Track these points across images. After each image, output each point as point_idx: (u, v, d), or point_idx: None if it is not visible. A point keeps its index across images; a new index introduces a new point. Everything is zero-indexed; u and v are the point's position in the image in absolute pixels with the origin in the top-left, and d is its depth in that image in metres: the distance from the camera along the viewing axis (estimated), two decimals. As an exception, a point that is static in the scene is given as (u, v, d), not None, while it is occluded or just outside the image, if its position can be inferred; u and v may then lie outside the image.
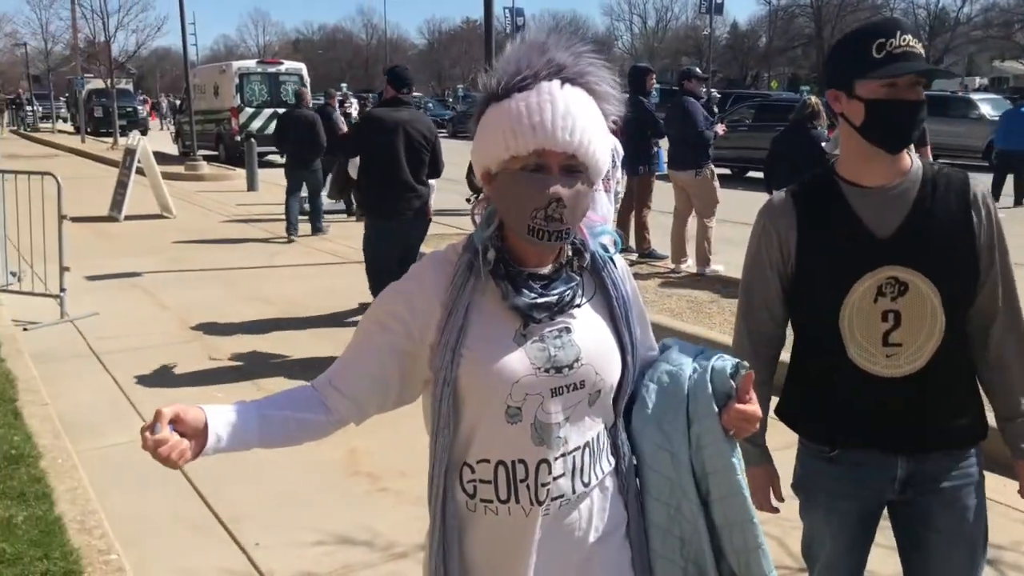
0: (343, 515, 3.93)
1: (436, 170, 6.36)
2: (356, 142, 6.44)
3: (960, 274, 1.90)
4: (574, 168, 1.46)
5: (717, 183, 8.69)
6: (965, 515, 2.01)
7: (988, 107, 20.95)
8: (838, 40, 2.01)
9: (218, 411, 1.51)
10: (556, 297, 1.53)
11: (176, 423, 1.45)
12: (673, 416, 1.62)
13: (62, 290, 7.21)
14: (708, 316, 6.75)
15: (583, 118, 1.45)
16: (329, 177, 8.35)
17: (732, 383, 1.60)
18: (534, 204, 1.44)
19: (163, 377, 5.84)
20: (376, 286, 6.29)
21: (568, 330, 1.55)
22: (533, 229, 1.46)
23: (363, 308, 7.59)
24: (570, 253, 1.57)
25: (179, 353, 6.37)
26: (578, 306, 1.57)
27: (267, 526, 3.82)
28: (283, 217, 11.32)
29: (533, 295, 1.51)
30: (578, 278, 1.57)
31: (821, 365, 2.01)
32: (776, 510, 2.16)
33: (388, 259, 6.05)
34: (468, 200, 1.40)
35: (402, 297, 1.57)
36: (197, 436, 1.47)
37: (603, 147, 1.49)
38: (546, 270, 1.55)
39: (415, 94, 8.12)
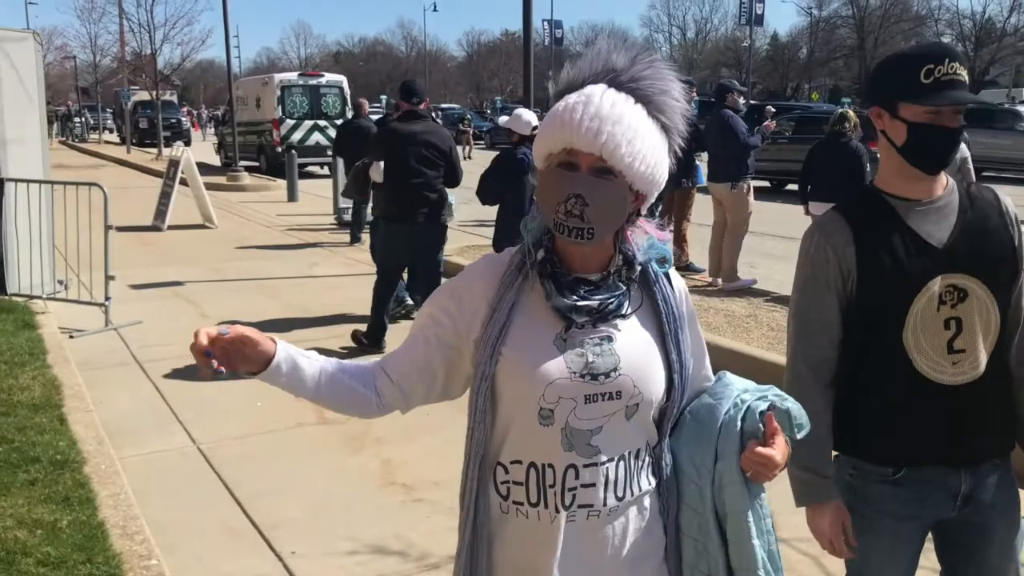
0: (377, 525, 3.95)
1: (453, 179, 6.64)
2: (374, 152, 6.76)
3: (1007, 279, 1.99)
4: (606, 171, 1.46)
5: (752, 198, 8.61)
6: (1016, 525, 2.06)
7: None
8: (885, 59, 2.04)
9: (289, 348, 1.60)
10: (598, 302, 1.53)
11: (245, 344, 1.54)
12: (703, 450, 1.60)
13: (107, 299, 7.37)
14: (746, 331, 6.69)
15: (616, 122, 1.45)
16: (348, 176, 8.44)
17: (761, 425, 1.56)
18: (557, 198, 1.47)
19: (204, 386, 5.92)
20: (383, 284, 6.75)
21: (610, 339, 1.54)
22: (557, 223, 1.48)
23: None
24: (620, 262, 1.57)
25: (219, 362, 6.45)
26: (623, 316, 1.56)
27: (303, 535, 3.86)
28: (321, 227, 11.46)
29: (575, 297, 1.52)
30: (624, 288, 1.57)
31: (886, 382, 1.99)
32: (852, 555, 2.03)
33: (397, 261, 6.69)
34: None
35: (453, 293, 1.62)
36: (257, 359, 1.56)
37: (643, 155, 1.47)
38: (594, 277, 1.55)
39: (452, 106, 8.41)
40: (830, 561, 2.27)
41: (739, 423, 1.58)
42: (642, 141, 1.47)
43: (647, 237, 1.58)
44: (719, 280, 8.52)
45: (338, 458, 4.68)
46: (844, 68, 64.77)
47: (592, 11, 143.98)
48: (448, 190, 6.69)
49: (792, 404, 1.61)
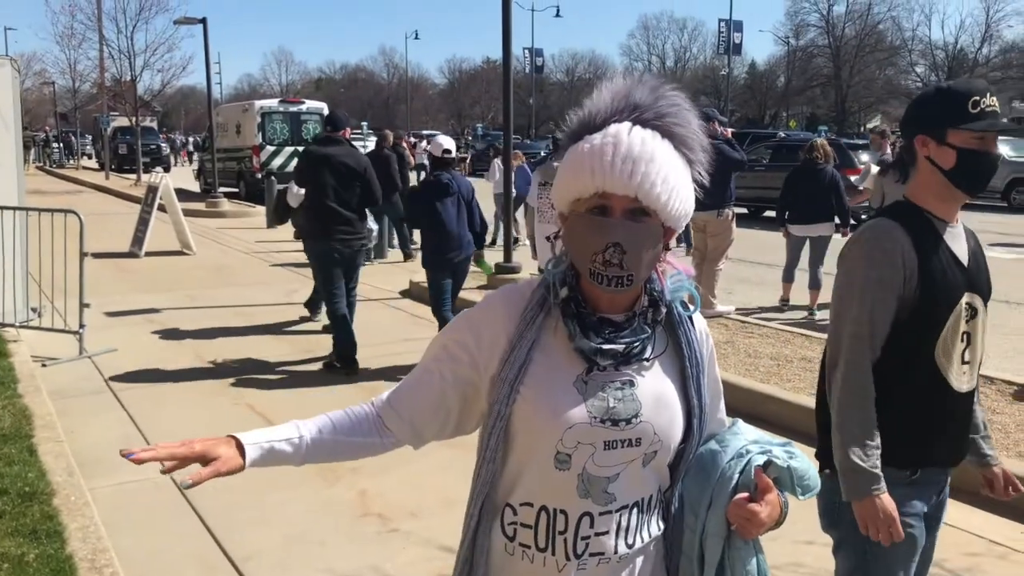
0: (353, 556, 3.91)
1: (371, 199, 7.04)
2: (296, 174, 7.34)
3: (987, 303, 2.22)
4: (640, 212, 1.42)
5: (735, 226, 8.70)
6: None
7: (1007, 148, 20.87)
8: (931, 90, 2.21)
9: (259, 444, 1.52)
10: (624, 346, 1.48)
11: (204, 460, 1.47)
12: (701, 496, 1.57)
13: (81, 326, 7.29)
14: (723, 357, 6.71)
15: (649, 161, 1.40)
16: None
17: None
18: (593, 248, 1.42)
19: (179, 414, 5.86)
20: (328, 304, 7.01)
21: (632, 383, 1.50)
22: (594, 273, 1.43)
23: (302, 320, 8.62)
24: (646, 303, 1.52)
25: (196, 390, 6.40)
26: (647, 360, 1.51)
27: (278, 567, 3.81)
28: (300, 251, 11.39)
29: (600, 340, 1.47)
30: (650, 331, 1.51)
31: (918, 387, 2.12)
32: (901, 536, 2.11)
33: (331, 279, 6.91)
34: (549, 238, 1.39)
35: (471, 326, 1.55)
36: (230, 461, 1.49)
37: (676, 191, 1.43)
38: (619, 318, 1.50)
39: (434, 132, 9.15)
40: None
41: (737, 475, 1.53)
42: (675, 178, 1.44)
43: (674, 273, 1.57)
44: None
45: (314, 489, 4.63)
46: (821, 96, 65.64)
47: (572, 39, 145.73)
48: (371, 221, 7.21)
49: (798, 463, 1.55)
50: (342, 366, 6.76)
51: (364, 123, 38.28)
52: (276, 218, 8.40)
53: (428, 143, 7.43)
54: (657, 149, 1.43)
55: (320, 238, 6.82)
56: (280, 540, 4.06)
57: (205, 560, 3.88)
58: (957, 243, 2.16)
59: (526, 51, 59.75)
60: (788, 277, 9.17)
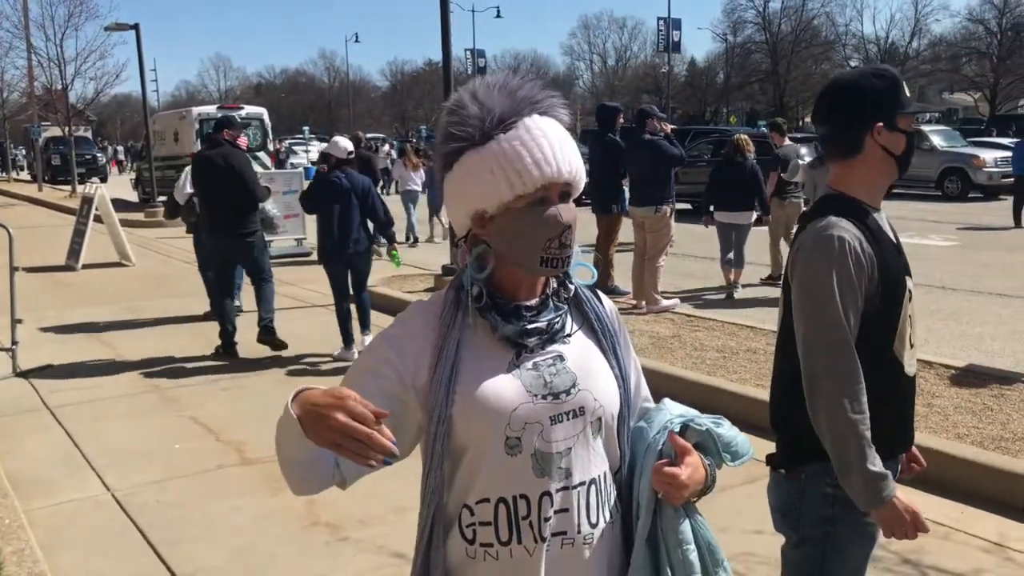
0: (303, 567, 3.84)
1: (251, 196, 7.41)
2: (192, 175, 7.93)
3: None
4: (568, 194, 1.52)
5: (673, 222, 8.78)
6: None
7: (939, 138, 21.46)
8: (869, 78, 2.12)
9: None
10: (545, 323, 1.53)
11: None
12: (631, 475, 1.59)
13: (14, 343, 7.06)
14: (670, 351, 6.77)
15: (571, 146, 1.52)
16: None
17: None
18: (548, 235, 1.48)
19: (118, 430, 5.71)
20: (214, 294, 8.00)
21: (561, 358, 1.54)
22: (547, 260, 1.49)
23: (207, 316, 8.82)
24: (555, 284, 1.58)
25: (136, 405, 6.24)
26: (568, 335, 1.57)
27: (224, 582, 3.72)
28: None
29: (522, 323, 1.52)
30: (565, 307, 1.58)
31: (883, 379, 2.08)
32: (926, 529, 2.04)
33: (217, 270, 7.76)
34: (456, 244, 1.36)
35: (391, 343, 1.54)
36: None
37: (584, 168, 1.56)
38: (534, 302, 1.55)
39: (377, 135, 9.50)
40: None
41: (660, 445, 1.56)
42: (580, 157, 1.55)
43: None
44: (643, 303, 8.61)
45: (261, 499, 4.54)
46: (760, 92, 66.64)
47: (514, 40, 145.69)
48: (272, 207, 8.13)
49: (724, 431, 1.58)
50: (222, 350, 7.45)
51: (306, 127, 37.81)
52: (167, 214, 9.57)
53: (327, 144, 7.99)
54: (565, 134, 1.54)
55: (208, 234, 7.55)
56: (227, 554, 3.97)
57: (149, 578, 3.77)
58: (888, 228, 2.15)
59: (468, 52, 59.59)
60: (726, 262, 9.75)
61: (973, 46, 54.95)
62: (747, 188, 9.54)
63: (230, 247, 7.41)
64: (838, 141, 2.13)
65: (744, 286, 9.76)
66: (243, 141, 7.68)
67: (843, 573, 2.14)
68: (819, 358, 2.01)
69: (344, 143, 7.46)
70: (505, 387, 1.49)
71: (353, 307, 7.43)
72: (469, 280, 1.53)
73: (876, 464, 1.98)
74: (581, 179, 1.53)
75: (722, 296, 9.59)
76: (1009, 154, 20.82)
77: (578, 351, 1.57)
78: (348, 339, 7.29)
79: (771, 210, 9.95)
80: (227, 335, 7.45)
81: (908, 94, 2.10)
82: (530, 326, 1.52)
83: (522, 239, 1.49)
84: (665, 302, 8.53)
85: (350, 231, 7.07)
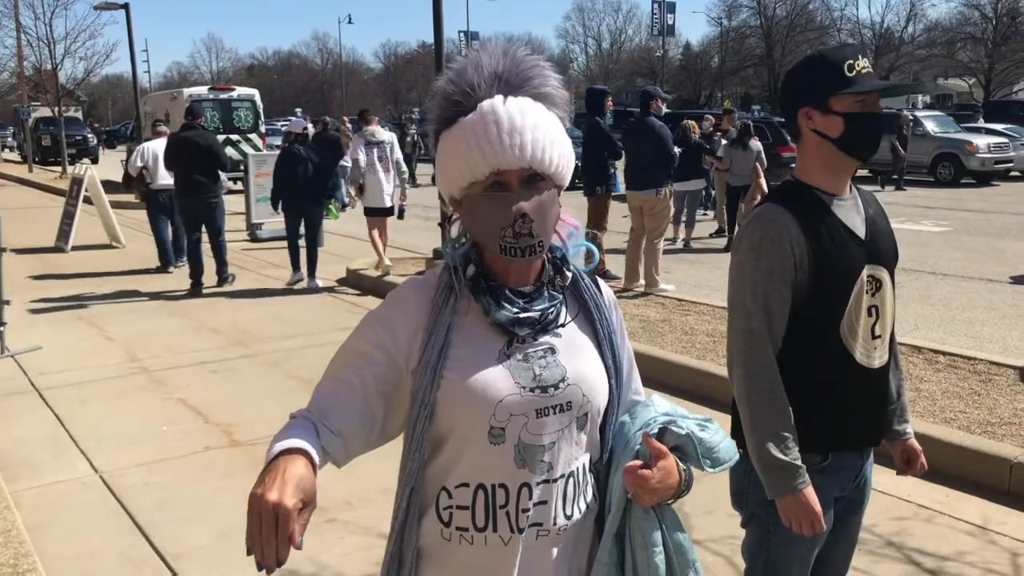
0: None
1: (216, 166, 9.57)
2: (165, 154, 9.91)
3: (894, 271, 2.15)
4: (535, 178, 1.44)
5: (672, 203, 8.76)
6: (869, 493, 2.26)
7: (932, 124, 21.46)
8: (803, 62, 2.12)
9: (306, 445, 1.38)
10: (539, 313, 1.49)
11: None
12: (608, 470, 1.57)
13: (2, 324, 7.02)
14: (660, 335, 6.78)
15: (533, 128, 1.42)
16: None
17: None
18: (501, 223, 1.42)
19: (107, 412, 5.69)
20: (187, 239, 9.69)
21: (552, 350, 1.50)
22: (505, 248, 1.43)
23: (157, 270, 10.89)
24: (551, 271, 1.54)
25: (124, 386, 6.22)
26: (562, 325, 1.53)
27: (210, 563, 3.72)
28: (233, 242, 11.21)
29: (515, 310, 1.47)
30: (560, 296, 1.54)
31: (823, 368, 2.05)
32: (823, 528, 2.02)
33: (186, 223, 9.71)
34: (441, 224, 1.35)
35: (384, 324, 1.51)
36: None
37: (562, 151, 1.46)
38: (528, 288, 1.51)
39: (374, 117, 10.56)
40: (741, 561, 2.30)
41: (638, 445, 1.52)
42: (559, 138, 1.46)
43: (571, 231, 1.58)
44: (634, 286, 8.61)
45: (247, 481, 4.48)
46: (754, 76, 66.44)
47: (507, 23, 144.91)
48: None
49: (708, 435, 1.53)
50: (192, 288, 9.39)
51: (298, 109, 37.57)
52: (124, 184, 11.73)
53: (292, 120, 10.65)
54: (536, 115, 1.45)
55: (179, 197, 9.59)
56: (212, 535, 3.97)
57: (134, 559, 3.77)
58: (851, 216, 2.07)
59: (461, 34, 59.30)
60: (677, 221, 12.21)
61: (968, 31, 54.82)
62: (694, 161, 11.98)
63: (198, 206, 9.44)
64: (787, 128, 2.17)
65: (695, 239, 12.46)
66: (201, 120, 9.91)
67: (789, 552, 2.11)
68: (733, 344, 2.07)
69: (299, 122, 10.18)
70: (493, 376, 1.46)
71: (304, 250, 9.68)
72: (452, 259, 1.51)
73: (784, 454, 1.97)
74: (554, 164, 1.45)
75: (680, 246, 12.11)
76: (1003, 140, 20.92)
77: (571, 344, 1.54)
78: (296, 267, 9.73)
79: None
80: (199, 272, 9.47)
81: (858, 72, 1.99)
82: (523, 315, 1.48)
83: (479, 225, 1.47)
84: (664, 284, 8.53)
85: (307, 190, 9.41)
